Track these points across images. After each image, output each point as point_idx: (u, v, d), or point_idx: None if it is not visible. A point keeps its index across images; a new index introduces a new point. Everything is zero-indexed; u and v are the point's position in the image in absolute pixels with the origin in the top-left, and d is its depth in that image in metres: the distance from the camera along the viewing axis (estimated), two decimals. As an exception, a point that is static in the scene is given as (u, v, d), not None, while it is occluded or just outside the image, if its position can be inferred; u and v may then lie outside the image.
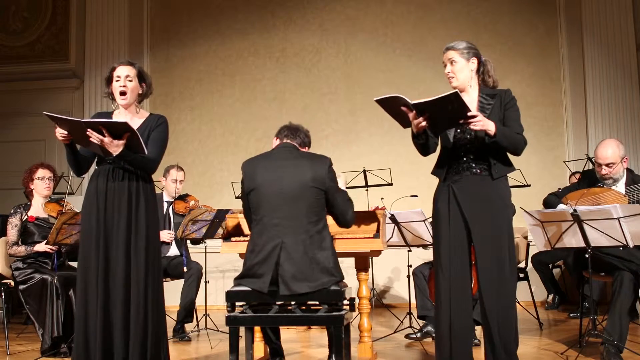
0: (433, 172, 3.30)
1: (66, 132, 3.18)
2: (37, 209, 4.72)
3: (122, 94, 3.36)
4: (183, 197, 5.32)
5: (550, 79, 7.41)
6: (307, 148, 3.38)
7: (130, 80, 3.37)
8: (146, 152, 3.25)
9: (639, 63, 7.27)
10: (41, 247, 4.52)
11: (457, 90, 2.96)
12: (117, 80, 3.37)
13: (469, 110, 2.97)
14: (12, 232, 4.62)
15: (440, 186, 3.25)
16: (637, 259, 3.78)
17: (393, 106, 3.07)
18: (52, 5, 8.25)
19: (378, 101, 3.05)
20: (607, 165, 3.95)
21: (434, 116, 3.00)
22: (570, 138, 7.31)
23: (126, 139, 3.16)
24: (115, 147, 3.16)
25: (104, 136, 3.13)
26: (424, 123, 3.01)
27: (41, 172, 4.70)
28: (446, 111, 2.97)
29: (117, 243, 3.24)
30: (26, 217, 4.65)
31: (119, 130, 3.14)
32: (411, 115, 3.02)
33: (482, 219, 3.11)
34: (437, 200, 3.25)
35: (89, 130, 3.11)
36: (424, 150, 3.23)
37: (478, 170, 3.16)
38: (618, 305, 3.68)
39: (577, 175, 5.63)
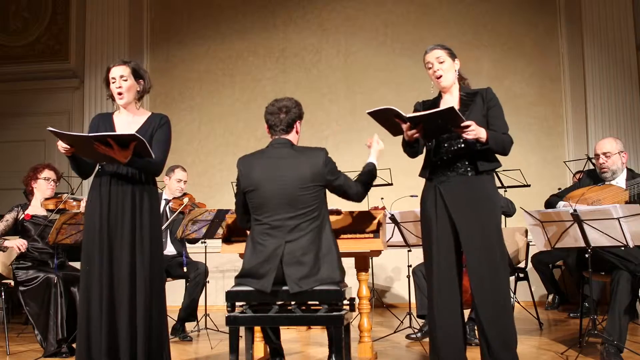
0: (420, 174, 3.35)
1: (69, 146, 3.18)
2: (36, 207, 4.71)
3: (119, 94, 3.37)
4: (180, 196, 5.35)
5: (550, 79, 7.40)
6: (299, 122, 3.32)
7: (125, 80, 3.37)
8: (153, 156, 3.25)
9: (639, 63, 7.26)
10: (10, 242, 4.49)
11: (452, 106, 3.00)
12: (113, 82, 3.38)
13: (463, 121, 3.02)
14: (0, 225, 4.62)
15: (427, 187, 3.28)
16: (635, 258, 3.78)
17: (385, 116, 3.13)
18: (52, 5, 8.24)
19: (370, 114, 3.12)
20: (604, 154, 4.05)
21: (427, 127, 3.08)
22: (570, 138, 7.29)
23: (133, 147, 3.15)
24: (123, 157, 3.16)
25: (112, 148, 3.12)
26: (417, 135, 3.10)
27: (47, 173, 4.71)
28: (440, 123, 3.04)
29: (121, 244, 3.24)
30: (22, 215, 4.64)
31: (127, 140, 3.14)
32: (405, 126, 3.09)
33: (470, 219, 3.12)
34: (425, 201, 3.28)
35: (96, 144, 3.10)
36: (414, 154, 3.34)
37: (463, 170, 3.18)
38: (617, 305, 3.69)
39: (578, 175, 5.64)
